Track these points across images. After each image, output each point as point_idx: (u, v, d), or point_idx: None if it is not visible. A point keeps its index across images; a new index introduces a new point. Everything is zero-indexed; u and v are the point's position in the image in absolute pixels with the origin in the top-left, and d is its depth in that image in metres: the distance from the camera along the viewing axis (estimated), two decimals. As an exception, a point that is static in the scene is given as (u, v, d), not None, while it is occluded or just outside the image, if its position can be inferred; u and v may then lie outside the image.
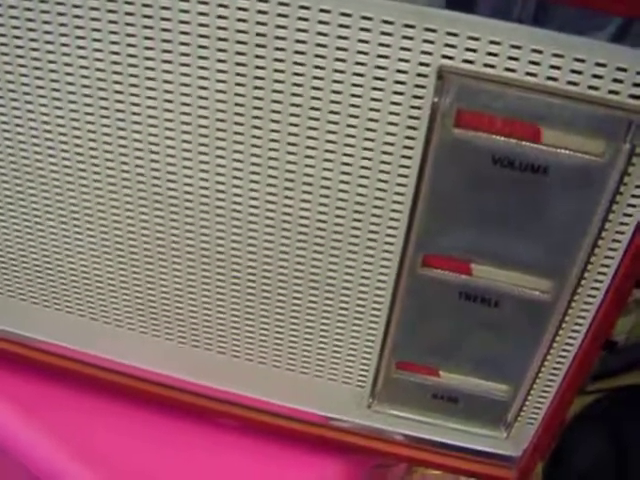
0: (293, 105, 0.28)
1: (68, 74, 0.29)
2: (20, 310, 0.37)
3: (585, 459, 0.88)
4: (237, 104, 0.28)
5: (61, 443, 0.37)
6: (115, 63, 0.29)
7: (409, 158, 0.28)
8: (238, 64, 0.28)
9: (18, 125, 0.31)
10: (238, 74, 0.28)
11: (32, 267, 0.35)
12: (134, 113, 0.30)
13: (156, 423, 0.38)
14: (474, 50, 0.26)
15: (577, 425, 0.88)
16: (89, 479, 0.36)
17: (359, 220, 0.30)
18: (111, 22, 0.28)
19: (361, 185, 0.29)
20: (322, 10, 0.26)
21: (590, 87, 0.25)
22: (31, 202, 0.33)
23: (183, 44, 0.28)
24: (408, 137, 0.28)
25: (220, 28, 0.27)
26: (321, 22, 0.26)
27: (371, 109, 0.27)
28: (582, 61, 0.25)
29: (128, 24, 0.28)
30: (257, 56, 0.27)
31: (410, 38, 0.26)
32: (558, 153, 0.27)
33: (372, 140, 0.28)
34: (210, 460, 0.37)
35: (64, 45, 0.29)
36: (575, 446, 0.88)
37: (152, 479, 0.36)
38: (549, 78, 0.26)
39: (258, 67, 0.27)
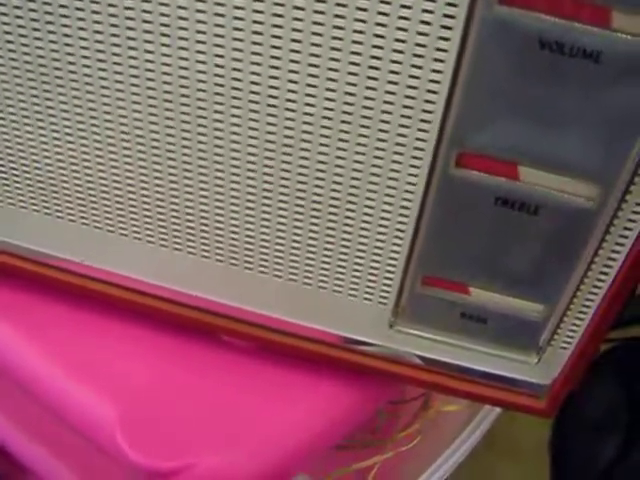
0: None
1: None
2: (26, 221, 0.35)
3: (597, 408, 0.86)
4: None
5: (64, 363, 0.35)
6: None
7: (447, 40, 0.25)
8: None
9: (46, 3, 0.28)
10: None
11: (38, 171, 0.33)
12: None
13: (163, 343, 0.36)
14: None
15: (589, 374, 0.86)
16: (92, 399, 0.34)
17: (388, 112, 0.27)
18: None
19: (393, 71, 0.26)
20: None
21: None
22: (42, 98, 0.30)
23: None
24: (447, 15, 0.25)
25: None
26: None
27: (407, -18, 0.25)
28: None
29: None
30: None
31: None
32: (616, 37, 0.24)
33: (407, 19, 0.25)
34: (219, 382, 0.35)
35: None
36: (587, 395, 0.86)
37: (160, 401, 0.34)
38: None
39: None
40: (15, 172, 0.33)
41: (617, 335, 0.80)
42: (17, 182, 0.33)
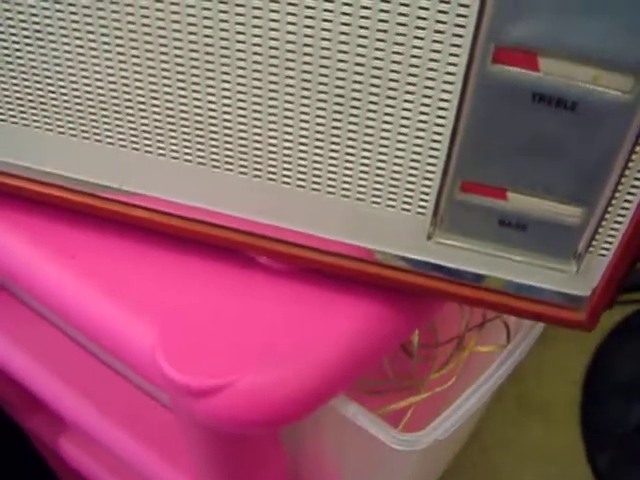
0: None
1: None
2: (60, 147, 0.35)
3: (627, 370, 0.86)
4: None
5: (100, 286, 0.36)
6: None
7: None
8: None
9: None
10: None
11: (59, 83, 0.33)
12: None
13: (199, 266, 0.37)
14: None
15: (616, 336, 0.86)
16: (129, 321, 0.34)
17: (425, 8, 0.27)
18: None
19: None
20: None
21: None
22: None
23: None
24: None
25: None
26: None
27: None
28: None
29: None
30: None
31: None
32: None
33: None
34: (259, 303, 0.35)
35: None
36: (617, 357, 0.86)
37: (198, 321, 0.35)
38: None
39: None
40: (44, 93, 0.34)
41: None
42: (44, 105, 0.34)
